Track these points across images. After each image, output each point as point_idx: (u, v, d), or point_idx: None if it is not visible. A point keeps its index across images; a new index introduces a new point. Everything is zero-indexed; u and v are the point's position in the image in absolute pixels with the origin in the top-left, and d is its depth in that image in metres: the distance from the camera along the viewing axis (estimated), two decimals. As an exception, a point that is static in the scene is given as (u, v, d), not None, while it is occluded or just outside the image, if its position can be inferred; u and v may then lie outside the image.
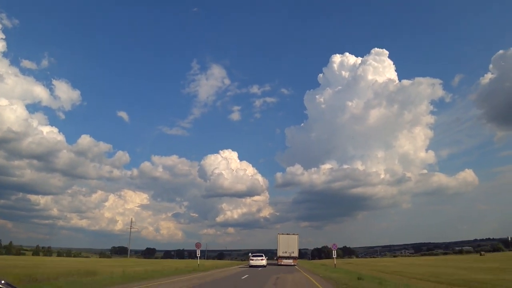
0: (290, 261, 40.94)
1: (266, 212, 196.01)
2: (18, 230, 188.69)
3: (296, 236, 42.60)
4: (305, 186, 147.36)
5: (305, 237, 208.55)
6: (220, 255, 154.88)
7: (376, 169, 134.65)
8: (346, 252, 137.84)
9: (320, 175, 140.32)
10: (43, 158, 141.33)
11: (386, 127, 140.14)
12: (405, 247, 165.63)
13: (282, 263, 40.56)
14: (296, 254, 41.72)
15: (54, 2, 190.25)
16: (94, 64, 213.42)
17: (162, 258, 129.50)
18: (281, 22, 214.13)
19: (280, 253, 41.63)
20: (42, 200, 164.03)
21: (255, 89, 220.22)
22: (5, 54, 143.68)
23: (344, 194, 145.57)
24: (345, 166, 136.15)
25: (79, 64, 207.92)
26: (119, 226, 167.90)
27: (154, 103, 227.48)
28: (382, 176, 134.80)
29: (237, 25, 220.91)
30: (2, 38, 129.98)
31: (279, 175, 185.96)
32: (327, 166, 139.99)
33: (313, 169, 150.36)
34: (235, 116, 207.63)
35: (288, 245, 41.18)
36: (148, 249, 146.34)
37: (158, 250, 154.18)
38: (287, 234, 42.71)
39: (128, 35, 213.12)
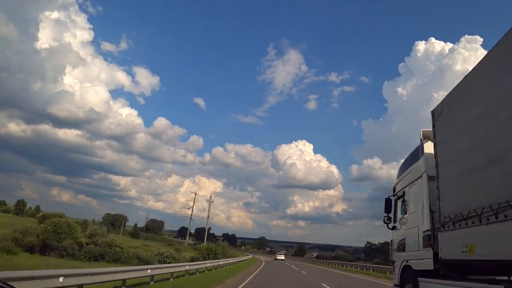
0: None
1: (339, 208, 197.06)
2: (101, 207, 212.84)
3: None
4: (382, 182, 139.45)
5: (378, 237, 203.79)
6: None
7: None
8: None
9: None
10: (122, 139, 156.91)
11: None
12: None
13: None
14: None
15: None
16: (171, 50, 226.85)
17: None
18: (361, 5, 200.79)
19: None
20: (122, 180, 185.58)
21: (333, 77, 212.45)
22: (91, 42, 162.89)
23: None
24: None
25: (157, 50, 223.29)
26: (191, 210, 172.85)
27: (229, 91, 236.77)
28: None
29: (315, 7, 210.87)
30: (89, 28, 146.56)
31: (354, 167, 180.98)
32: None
33: (393, 163, 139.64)
34: (311, 105, 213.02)
35: None
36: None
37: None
38: None
39: (204, 20, 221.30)
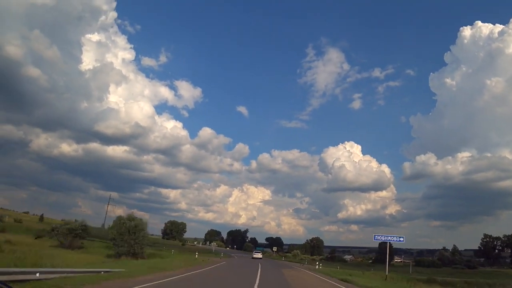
0: None
1: (392, 209, 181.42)
2: (154, 221, 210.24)
3: None
4: (438, 179, 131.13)
5: (435, 238, 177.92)
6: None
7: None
8: None
9: (456, 165, 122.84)
10: (168, 152, 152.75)
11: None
12: None
13: None
14: None
15: (169, 3, 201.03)
16: (211, 61, 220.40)
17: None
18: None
19: None
20: (171, 193, 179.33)
21: (377, 72, 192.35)
22: (133, 61, 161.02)
23: (486, 188, 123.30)
24: (488, 155, 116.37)
25: (197, 62, 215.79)
26: (242, 220, 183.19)
27: (272, 96, 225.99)
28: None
29: (351, 2, 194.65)
30: (130, 48, 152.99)
31: (407, 165, 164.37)
32: (465, 155, 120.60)
33: (448, 158, 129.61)
34: (356, 104, 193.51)
35: None
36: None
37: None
38: None
39: (241, 28, 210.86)
